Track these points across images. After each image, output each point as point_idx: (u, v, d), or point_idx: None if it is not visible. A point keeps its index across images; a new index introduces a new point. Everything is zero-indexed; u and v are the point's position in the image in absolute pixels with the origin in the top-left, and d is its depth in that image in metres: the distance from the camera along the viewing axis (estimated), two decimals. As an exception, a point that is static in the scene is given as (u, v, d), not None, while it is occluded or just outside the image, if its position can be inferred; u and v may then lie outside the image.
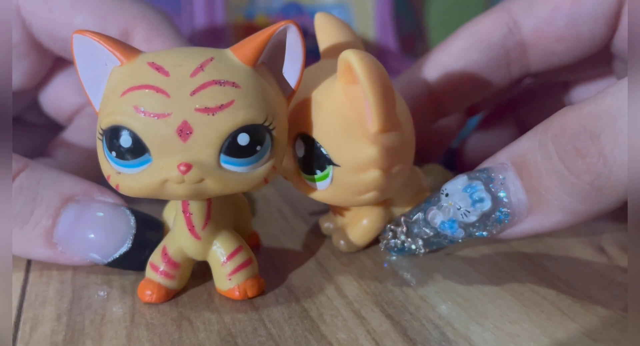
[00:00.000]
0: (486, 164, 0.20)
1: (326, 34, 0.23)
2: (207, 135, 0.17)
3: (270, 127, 0.18)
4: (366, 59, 0.17)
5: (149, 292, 0.20)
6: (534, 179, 0.18)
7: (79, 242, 0.20)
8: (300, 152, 0.20)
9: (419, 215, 0.21)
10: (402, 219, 0.22)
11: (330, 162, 0.19)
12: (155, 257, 0.20)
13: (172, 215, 0.21)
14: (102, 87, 0.18)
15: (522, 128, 0.32)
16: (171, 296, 0.20)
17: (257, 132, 0.17)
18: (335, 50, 0.22)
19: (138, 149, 0.17)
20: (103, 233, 0.20)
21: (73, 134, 0.28)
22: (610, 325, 0.18)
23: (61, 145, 0.28)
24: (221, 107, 0.17)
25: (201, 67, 0.17)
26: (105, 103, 0.18)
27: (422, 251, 0.22)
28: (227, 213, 0.21)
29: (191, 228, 0.19)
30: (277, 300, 0.20)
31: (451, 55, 0.26)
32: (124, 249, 0.20)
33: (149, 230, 0.21)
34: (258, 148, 0.17)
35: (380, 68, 0.18)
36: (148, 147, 0.17)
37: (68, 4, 0.24)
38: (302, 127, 0.20)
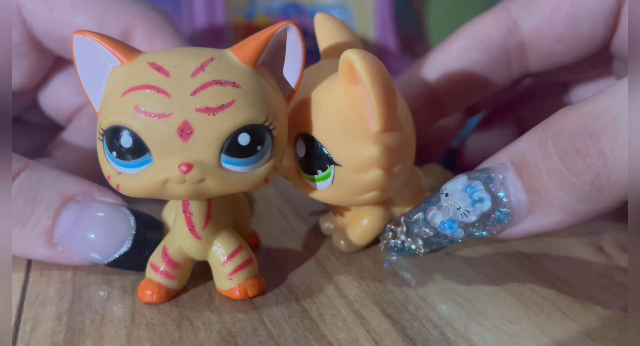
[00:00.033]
0: (486, 164, 0.20)
1: (326, 34, 0.23)
2: (208, 135, 0.17)
3: (271, 127, 0.18)
4: (368, 59, 0.17)
5: (149, 292, 0.20)
6: (534, 179, 0.18)
7: (79, 242, 0.21)
8: (301, 152, 0.20)
9: (419, 215, 0.21)
10: (402, 219, 0.22)
11: (331, 162, 0.19)
12: (156, 257, 0.20)
13: (171, 215, 0.21)
14: (102, 87, 0.18)
15: (522, 128, 0.32)
16: (171, 296, 0.20)
17: (257, 131, 0.17)
18: (335, 51, 0.22)
19: (139, 149, 0.17)
20: (103, 233, 0.20)
21: (73, 134, 0.28)
22: (610, 324, 0.18)
23: (61, 145, 0.28)
24: (222, 107, 0.17)
25: (202, 67, 0.17)
26: (105, 104, 0.18)
27: (422, 251, 0.22)
28: (227, 213, 0.21)
29: (191, 228, 0.19)
30: (277, 299, 0.20)
31: (451, 55, 0.26)
32: (124, 249, 0.20)
33: (149, 230, 0.21)
34: (259, 148, 0.17)
35: (382, 67, 0.18)
36: (149, 147, 0.17)
37: (68, 3, 0.24)
38: (303, 127, 0.20)
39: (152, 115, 0.16)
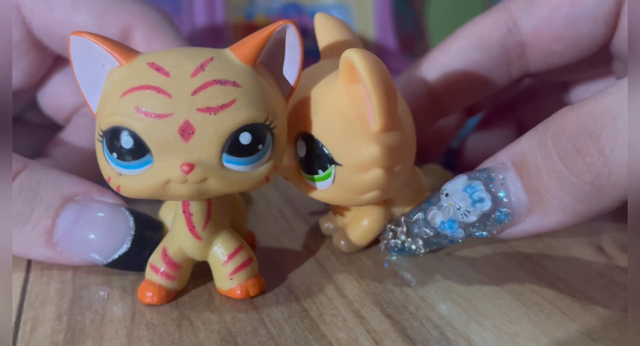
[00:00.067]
0: (486, 164, 0.20)
1: (326, 34, 0.23)
2: (210, 135, 0.17)
3: (271, 126, 0.18)
4: (369, 58, 0.17)
5: (149, 293, 0.20)
6: (534, 179, 0.18)
7: (79, 242, 0.20)
8: (302, 152, 0.20)
9: (419, 215, 0.21)
10: (402, 219, 0.22)
11: (332, 162, 0.19)
12: (155, 258, 0.20)
13: (168, 215, 0.21)
14: (99, 88, 0.18)
15: (522, 128, 0.32)
16: (172, 297, 0.20)
17: (258, 130, 0.17)
18: (335, 50, 0.22)
19: (139, 150, 0.17)
20: (103, 233, 0.20)
21: (72, 134, 0.28)
22: (610, 324, 0.18)
23: (60, 145, 0.27)
24: (223, 107, 0.17)
25: (201, 67, 0.17)
26: (104, 104, 0.18)
27: (422, 251, 0.22)
28: (226, 212, 0.21)
29: (192, 229, 0.19)
30: (277, 299, 0.20)
31: (451, 55, 0.26)
32: (123, 250, 0.20)
33: (148, 230, 0.21)
34: (260, 147, 0.17)
35: (383, 67, 0.18)
36: (149, 147, 0.17)
37: (68, 3, 0.24)
38: (304, 127, 0.20)
39: (153, 116, 0.16)
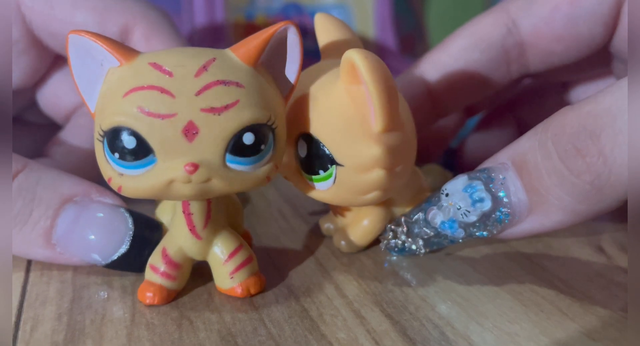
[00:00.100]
0: (486, 164, 0.20)
1: (326, 34, 0.23)
2: (214, 135, 0.17)
3: (273, 126, 0.18)
4: (370, 58, 0.17)
5: (150, 294, 0.20)
6: (534, 179, 0.18)
7: (78, 243, 0.20)
8: (303, 152, 0.20)
9: (420, 215, 0.21)
10: (403, 219, 0.22)
11: (333, 162, 0.19)
12: (155, 259, 0.20)
13: (164, 215, 0.21)
14: (97, 88, 0.18)
15: (522, 128, 0.32)
16: (172, 297, 0.20)
17: (261, 131, 0.17)
18: (336, 51, 0.22)
19: (142, 150, 0.17)
20: (102, 234, 0.20)
21: (71, 133, 0.28)
22: (610, 324, 0.18)
23: (59, 145, 0.27)
24: (227, 107, 0.17)
25: (204, 67, 0.17)
26: (104, 104, 0.17)
27: (423, 251, 0.22)
28: (224, 212, 0.21)
29: (192, 229, 0.19)
30: (277, 299, 0.20)
31: (450, 55, 0.26)
32: (122, 250, 0.20)
33: (147, 231, 0.21)
34: (262, 147, 0.18)
35: (384, 67, 0.18)
36: (153, 147, 0.17)
37: (68, 1, 0.24)
38: (305, 127, 0.20)
39: (157, 116, 0.16)
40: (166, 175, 0.17)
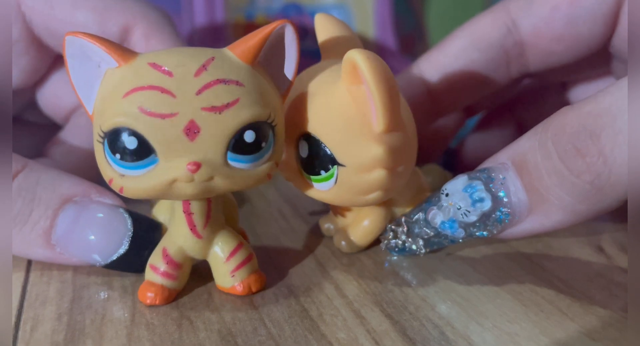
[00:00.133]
0: (486, 164, 0.20)
1: (326, 34, 0.23)
2: (215, 134, 0.17)
3: (273, 124, 0.18)
4: (372, 59, 0.17)
5: (151, 294, 0.19)
6: (534, 179, 0.18)
7: (77, 243, 0.20)
8: (304, 153, 0.20)
9: (420, 215, 0.21)
10: (403, 219, 0.22)
11: (334, 162, 0.19)
12: (155, 259, 0.20)
13: (162, 215, 0.21)
14: (95, 89, 0.18)
15: (522, 128, 0.32)
16: (173, 297, 0.20)
17: (262, 128, 0.18)
18: (336, 51, 0.22)
19: (144, 150, 0.17)
20: (101, 234, 0.20)
21: (71, 133, 0.28)
22: (609, 324, 0.18)
23: (58, 145, 0.27)
24: (227, 106, 0.17)
25: (204, 67, 0.17)
26: (104, 105, 0.17)
27: (423, 251, 0.22)
28: (223, 211, 0.21)
29: (192, 228, 0.19)
30: (277, 299, 0.20)
31: (450, 55, 0.26)
32: (121, 251, 0.20)
33: (147, 231, 0.21)
34: (263, 144, 0.18)
35: (386, 68, 0.18)
36: (154, 147, 0.17)
37: (69, 1, 0.24)
38: (306, 128, 0.20)
39: (158, 116, 0.16)
40: (168, 175, 0.17)
